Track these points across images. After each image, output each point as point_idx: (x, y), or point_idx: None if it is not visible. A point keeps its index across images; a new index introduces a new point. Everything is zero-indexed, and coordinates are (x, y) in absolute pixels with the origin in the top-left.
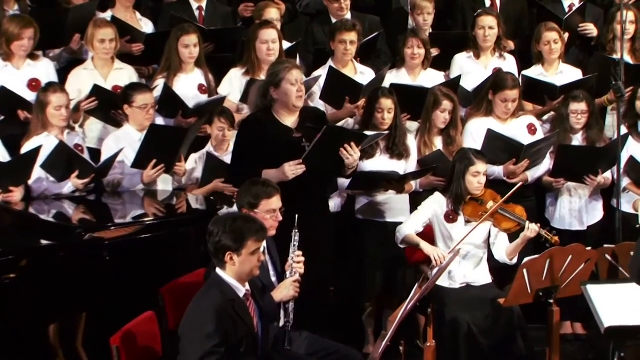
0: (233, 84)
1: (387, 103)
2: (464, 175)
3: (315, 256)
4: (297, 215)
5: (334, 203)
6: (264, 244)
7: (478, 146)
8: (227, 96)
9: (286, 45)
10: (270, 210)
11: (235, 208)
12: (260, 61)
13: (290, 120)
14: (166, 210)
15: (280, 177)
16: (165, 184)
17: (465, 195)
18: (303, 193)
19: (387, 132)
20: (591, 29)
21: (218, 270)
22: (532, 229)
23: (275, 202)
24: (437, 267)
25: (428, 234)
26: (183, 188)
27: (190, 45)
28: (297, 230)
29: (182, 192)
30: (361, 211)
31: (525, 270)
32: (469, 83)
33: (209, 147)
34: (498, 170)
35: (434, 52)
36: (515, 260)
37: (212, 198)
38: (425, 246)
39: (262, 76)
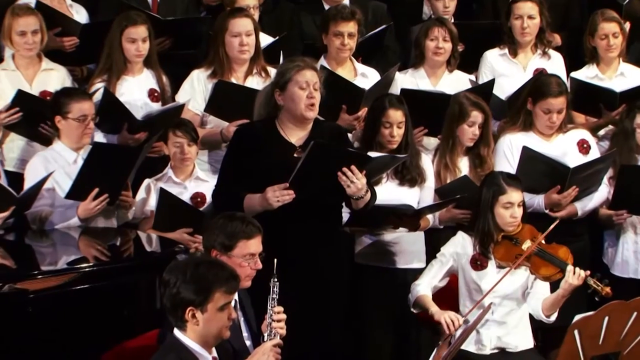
0: (195, 88)
1: (396, 115)
2: (493, 207)
3: (317, 312)
4: (275, 260)
5: None
6: (236, 296)
7: (512, 169)
8: (187, 104)
9: (266, 39)
10: (247, 255)
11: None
12: (231, 60)
13: (296, 135)
14: (109, 253)
15: (263, 204)
16: (108, 219)
17: (496, 232)
18: (297, 225)
19: (406, 156)
20: None
21: (176, 332)
22: (575, 275)
23: (255, 244)
24: (459, 330)
25: (454, 287)
26: (133, 224)
27: (137, 40)
28: (276, 280)
29: (130, 230)
30: (363, 255)
31: (576, 332)
32: (503, 88)
33: (167, 171)
34: (538, 201)
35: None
36: (553, 318)
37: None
38: (434, 310)
39: (233, 79)
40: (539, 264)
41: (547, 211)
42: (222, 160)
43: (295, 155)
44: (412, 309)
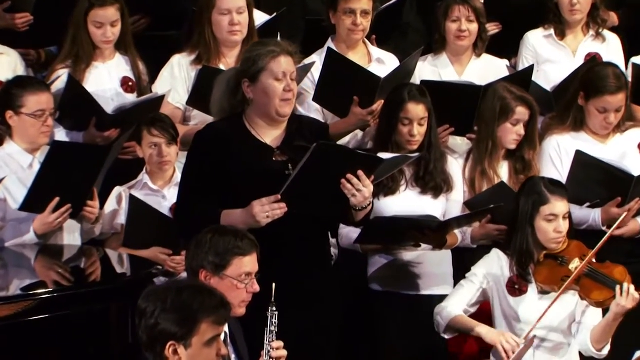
0: (177, 77)
1: (417, 110)
2: (533, 220)
3: (310, 346)
4: (274, 284)
5: None
6: (226, 328)
7: (561, 177)
8: (166, 96)
9: (261, 17)
10: (243, 275)
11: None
12: (219, 42)
13: (271, 134)
14: (72, 276)
15: (248, 221)
16: (70, 235)
17: (537, 251)
18: (288, 245)
19: (417, 155)
20: None
21: None
22: (625, 294)
23: (251, 263)
24: None
25: (484, 314)
26: (101, 241)
27: (105, 25)
28: (274, 309)
29: (97, 249)
30: (378, 278)
31: None
32: (549, 76)
33: (142, 177)
34: (594, 216)
35: (493, 28)
36: (606, 351)
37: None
38: (485, 331)
39: (221, 65)
40: (591, 287)
41: (604, 228)
42: (183, 171)
43: (274, 159)
44: (443, 334)
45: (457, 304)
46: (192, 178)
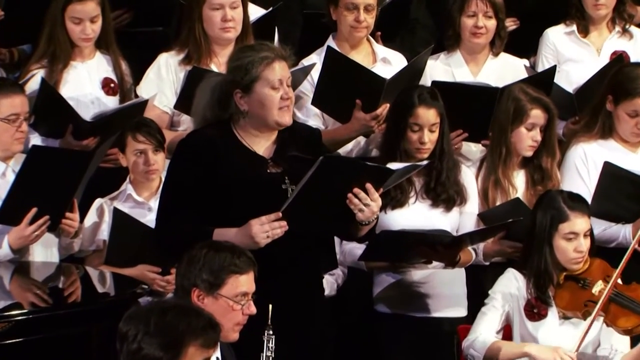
0: (163, 78)
1: (427, 115)
2: (551, 239)
3: None
4: (270, 306)
5: (327, 283)
6: (218, 354)
7: (588, 190)
8: (152, 99)
9: (256, 12)
10: (239, 295)
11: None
12: (211, 40)
13: (262, 144)
14: (50, 297)
15: (245, 241)
16: (48, 251)
17: (556, 272)
18: (282, 267)
19: (427, 163)
20: None
21: None
22: None
23: (248, 282)
24: None
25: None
26: (80, 258)
27: (84, 21)
28: (271, 332)
29: (77, 266)
30: (384, 299)
31: None
32: (571, 77)
33: (126, 187)
34: (624, 232)
35: (510, 24)
36: None
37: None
38: (536, 350)
39: (213, 65)
40: (616, 313)
41: (637, 247)
42: (164, 182)
43: (269, 171)
44: None
45: (486, 331)
46: (175, 190)
